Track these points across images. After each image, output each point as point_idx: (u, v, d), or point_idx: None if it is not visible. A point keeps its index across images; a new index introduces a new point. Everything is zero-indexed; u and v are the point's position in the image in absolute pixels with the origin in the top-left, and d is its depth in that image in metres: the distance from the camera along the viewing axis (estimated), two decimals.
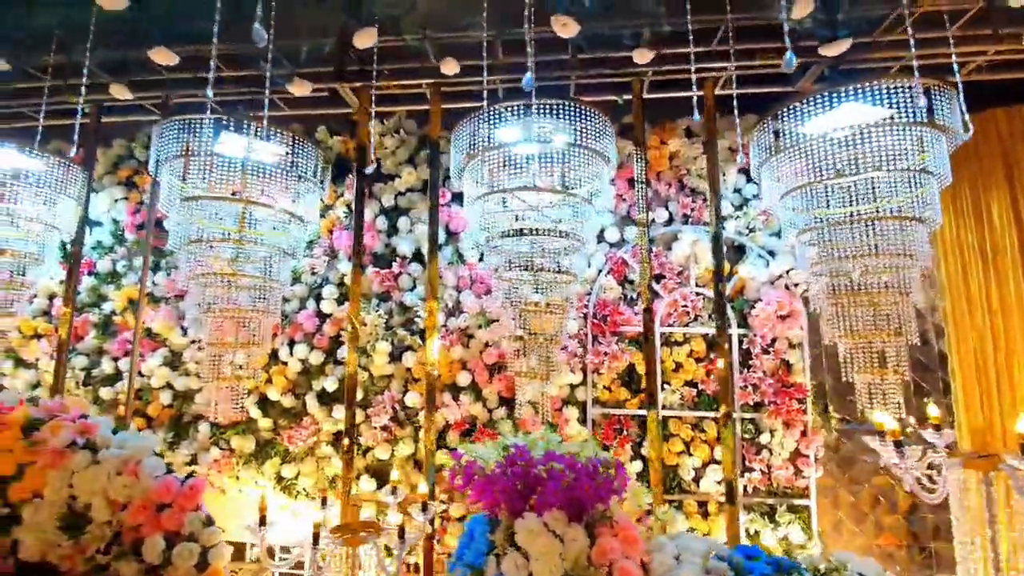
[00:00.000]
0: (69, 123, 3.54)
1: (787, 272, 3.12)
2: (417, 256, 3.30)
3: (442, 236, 3.31)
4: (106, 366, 3.44)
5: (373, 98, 3.08)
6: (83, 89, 2.84)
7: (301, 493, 3.17)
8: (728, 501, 2.67)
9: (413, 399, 3.10)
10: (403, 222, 3.31)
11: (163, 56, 2.70)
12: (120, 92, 3.00)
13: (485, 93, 2.93)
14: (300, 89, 3.00)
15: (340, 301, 3.27)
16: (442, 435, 3.12)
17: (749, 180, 3.21)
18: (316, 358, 3.22)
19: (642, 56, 2.69)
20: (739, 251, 3.21)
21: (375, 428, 3.09)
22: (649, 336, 2.78)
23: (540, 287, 2.67)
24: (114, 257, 3.57)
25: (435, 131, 3.01)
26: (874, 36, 2.74)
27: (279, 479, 3.20)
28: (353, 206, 3.23)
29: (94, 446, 2.03)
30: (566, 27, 2.35)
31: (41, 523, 1.96)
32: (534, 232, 2.52)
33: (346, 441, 2.84)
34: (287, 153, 2.72)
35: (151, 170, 2.76)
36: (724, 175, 3.22)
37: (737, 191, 3.25)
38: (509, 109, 2.46)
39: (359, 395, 3.15)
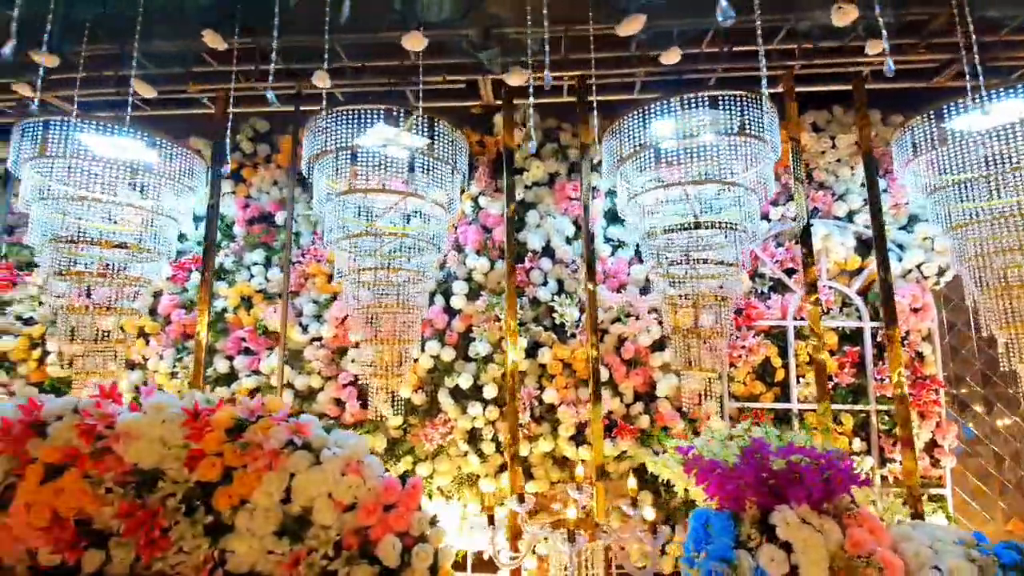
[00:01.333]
0: (192, 112, 3.45)
1: (918, 266, 3.16)
2: (547, 250, 3.26)
3: (572, 230, 3.28)
4: (220, 365, 3.32)
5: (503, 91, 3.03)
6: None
7: (436, 492, 3.11)
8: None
9: (551, 395, 3.07)
10: (532, 216, 3.26)
11: (214, 40, 2.56)
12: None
13: (638, 85, 2.92)
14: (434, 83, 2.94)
15: (470, 296, 3.21)
16: (579, 432, 3.09)
17: (882, 175, 3.25)
18: (447, 354, 3.16)
19: (788, 50, 2.71)
20: (867, 245, 3.25)
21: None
22: (816, 330, 2.79)
23: (695, 281, 2.67)
24: (226, 252, 3.45)
25: (588, 135, 2.96)
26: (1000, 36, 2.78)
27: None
28: (478, 200, 3.19)
29: (310, 446, 1.95)
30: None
31: (256, 530, 1.88)
32: (698, 226, 2.51)
33: (507, 438, 2.79)
34: (431, 144, 2.67)
35: (304, 168, 2.69)
36: (852, 169, 3.25)
37: (863, 185, 3.28)
38: (678, 102, 2.44)
39: (493, 392, 3.11)
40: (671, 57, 2.59)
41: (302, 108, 3.17)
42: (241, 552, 1.87)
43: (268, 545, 1.87)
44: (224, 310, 3.40)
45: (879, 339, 3.14)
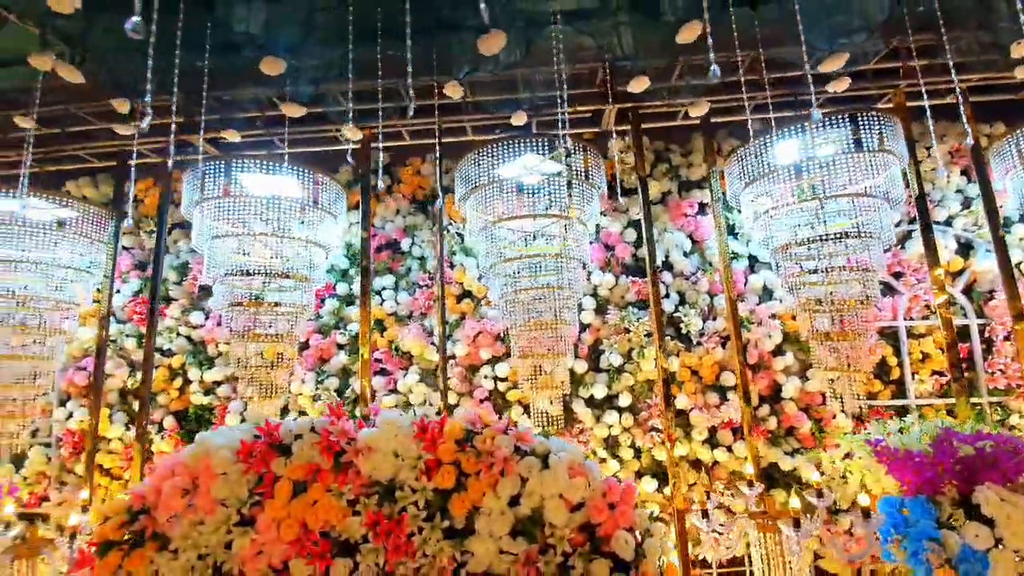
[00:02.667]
0: (334, 149, 3.66)
1: (1018, 265, 3.37)
2: (665, 264, 3.45)
3: (688, 244, 3.48)
4: (357, 386, 3.48)
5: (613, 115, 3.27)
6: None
7: None
8: None
9: (682, 401, 3.24)
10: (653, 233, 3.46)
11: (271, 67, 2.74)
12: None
13: (747, 106, 3.14)
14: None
15: (597, 311, 3.40)
16: (711, 434, 3.25)
17: (970, 181, 3.47)
18: (580, 366, 3.34)
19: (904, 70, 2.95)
20: (966, 247, 3.45)
21: (653, 430, 3.22)
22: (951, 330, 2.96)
23: (833, 286, 2.86)
24: (352, 280, 3.64)
25: (712, 158, 3.19)
26: None
27: None
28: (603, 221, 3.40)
29: (536, 452, 2.12)
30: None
31: (494, 532, 2.04)
32: (844, 235, 2.72)
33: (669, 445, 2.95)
34: (570, 166, 2.88)
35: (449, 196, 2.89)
36: (948, 177, 3.47)
37: (959, 191, 3.50)
38: (806, 126, 2.67)
39: (627, 401, 3.28)
40: (840, 85, 2.79)
41: (443, 140, 3.38)
42: (480, 553, 2.02)
43: (504, 546, 2.03)
44: (357, 335, 3.58)
45: (986, 334, 3.34)
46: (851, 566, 2.05)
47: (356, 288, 3.66)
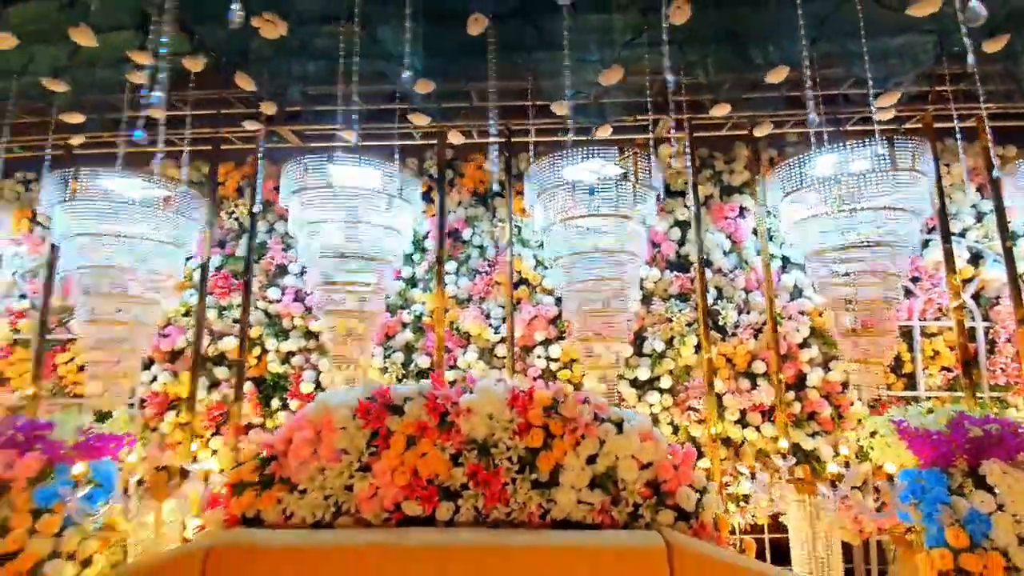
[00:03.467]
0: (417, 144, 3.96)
1: (1022, 275, 3.74)
2: (705, 262, 3.80)
3: (727, 244, 3.83)
4: (421, 361, 3.84)
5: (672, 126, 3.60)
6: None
7: None
8: None
9: (718, 386, 3.61)
10: (692, 233, 3.81)
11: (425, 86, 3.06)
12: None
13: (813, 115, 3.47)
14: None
15: (643, 301, 3.75)
16: (742, 416, 3.63)
17: (983, 197, 3.82)
18: (625, 351, 3.69)
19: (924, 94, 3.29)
20: (976, 257, 3.82)
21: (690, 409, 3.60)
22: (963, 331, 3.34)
23: (861, 288, 3.22)
24: (416, 264, 3.97)
25: (755, 167, 3.53)
26: None
27: None
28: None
29: (611, 419, 2.48)
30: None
31: (576, 484, 2.40)
32: (877, 244, 3.07)
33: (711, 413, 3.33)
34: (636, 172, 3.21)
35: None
36: (964, 192, 3.83)
37: (973, 206, 3.86)
38: (855, 143, 3.01)
39: (668, 383, 3.65)
40: (886, 102, 3.10)
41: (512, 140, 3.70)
42: (562, 502, 2.38)
43: (582, 497, 2.40)
44: (421, 315, 3.92)
45: (990, 337, 3.72)
46: (875, 524, 2.43)
47: (419, 271, 4.00)
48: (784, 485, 2.73)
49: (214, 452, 3.68)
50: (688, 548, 2.04)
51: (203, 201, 3.68)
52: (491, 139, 3.74)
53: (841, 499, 2.52)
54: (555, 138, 3.80)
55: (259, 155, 3.58)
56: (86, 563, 2.55)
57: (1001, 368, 3.67)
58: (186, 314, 4.00)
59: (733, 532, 3.44)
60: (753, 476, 2.57)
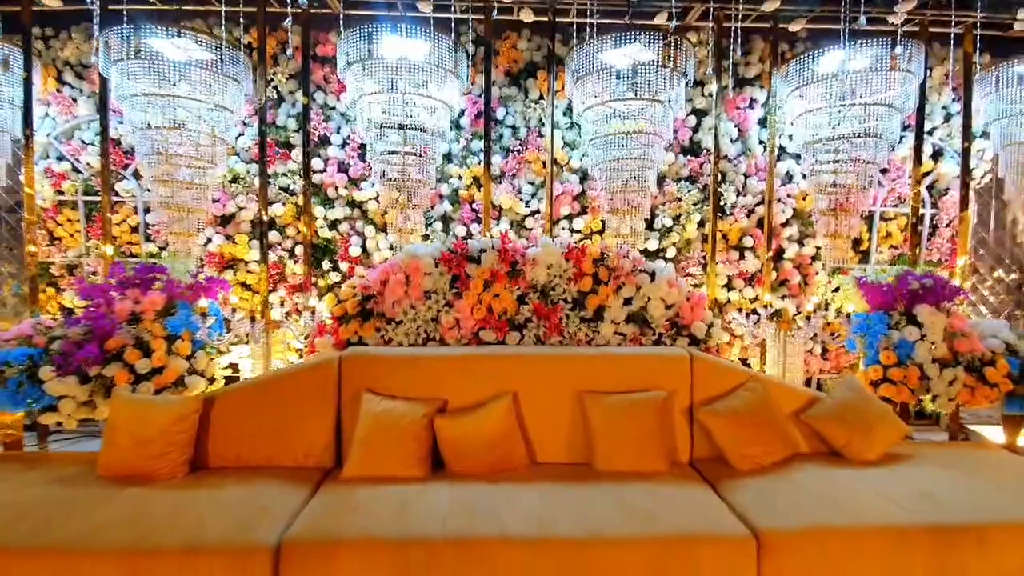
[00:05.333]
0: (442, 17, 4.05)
1: (972, 170, 4.43)
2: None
3: (735, 133, 4.30)
4: (458, 230, 4.30)
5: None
6: None
7: None
8: None
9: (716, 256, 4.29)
10: (706, 121, 4.24)
11: None
12: None
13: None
14: None
15: (656, 183, 4.26)
16: (729, 281, 4.37)
17: (955, 99, 4.37)
18: (639, 225, 4.27)
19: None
20: (938, 153, 4.46)
21: (688, 274, 4.30)
22: (917, 209, 4.04)
23: (844, 175, 3.82)
24: (454, 140, 4.27)
25: (770, 60, 3.88)
26: None
27: None
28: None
29: (645, 270, 3.10)
30: None
31: (616, 319, 3.07)
32: (864, 134, 3.62)
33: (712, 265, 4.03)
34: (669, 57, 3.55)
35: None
36: (940, 95, 4.36)
37: (944, 108, 4.41)
38: (847, 43, 3.42)
39: (672, 253, 4.30)
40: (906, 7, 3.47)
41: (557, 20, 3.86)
42: (604, 332, 3.06)
43: (620, 329, 3.08)
44: (457, 189, 4.31)
45: (934, 222, 4.49)
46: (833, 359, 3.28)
47: (455, 148, 4.31)
48: (765, 323, 3.53)
49: (281, 302, 4.17)
50: (702, 357, 2.77)
51: (250, 66, 3.77)
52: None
53: (811, 337, 3.35)
54: (594, 20, 3.99)
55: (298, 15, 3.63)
56: (212, 380, 3.11)
57: (937, 248, 4.49)
58: (233, 180, 4.23)
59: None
60: (746, 315, 3.33)
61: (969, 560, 2.02)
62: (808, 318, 3.30)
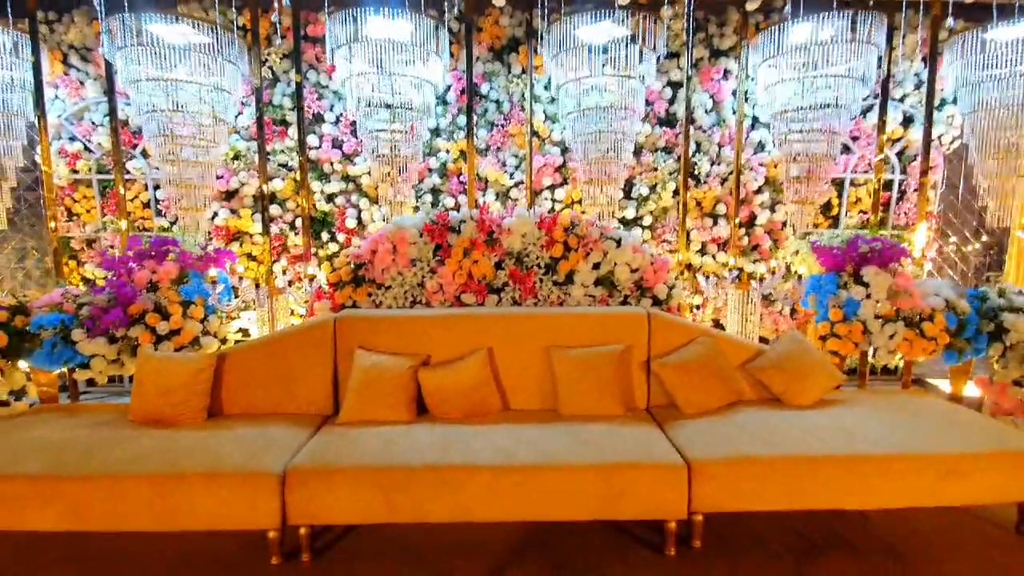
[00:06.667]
0: None
1: (939, 137, 4.59)
2: (689, 119, 4.47)
3: (710, 104, 4.48)
4: (447, 202, 4.57)
5: None
6: None
7: None
8: None
9: (688, 223, 4.54)
10: (681, 92, 4.41)
11: None
12: None
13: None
14: None
15: (635, 153, 4.47)
16: (703, 247, 4.62)
17: (925, 66, 4.49)
18: (617, 194, 4.51)
19: None
20: (908, 120, 4.61)
21: (663, 241, 4.56)
22: (879, 176, 4.25)
23: (808, 144, 4.02)
24: (441, 115, 4.49)
25: (743, 31, 4.03)
26: None
27: None
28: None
29: (611, 237, 3.38)
30: None
31: (585, 282, 3.37)
32: (824, 106, 3.80)
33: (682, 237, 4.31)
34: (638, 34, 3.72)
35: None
36: (912, 63, 4.48)
37: (916, 75, 4.54)
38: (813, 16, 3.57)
39: (649, 220, 4.55)
40: None
41: None
42: (575, 294, 3.37)
43: (589, 291, 3.38)
44: (445, 162, 4.56)
45: (902, 188, 4.68)
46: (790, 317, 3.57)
47: (442, 123, 4.53)
48: (727, 286, 3.80)
49: (284, 271, 4.51)
50: (659, 315, 3.07)
51: (245, 47, 3.99)
52: None
53: (764, 296, 3.63)
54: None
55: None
56: (223, 341, 3.47)
57: (905, 213, 4.70)
58: (235, 157, 4.50)
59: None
60: (707, 278, 3.61)
61: (874, 484, 2.36)
62: (761, 279, 3.58)
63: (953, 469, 2.38)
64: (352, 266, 3.32)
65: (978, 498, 2.43)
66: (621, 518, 2.35)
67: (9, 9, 4.14)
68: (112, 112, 4.11)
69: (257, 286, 3.84)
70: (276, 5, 4.20)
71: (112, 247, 4.54)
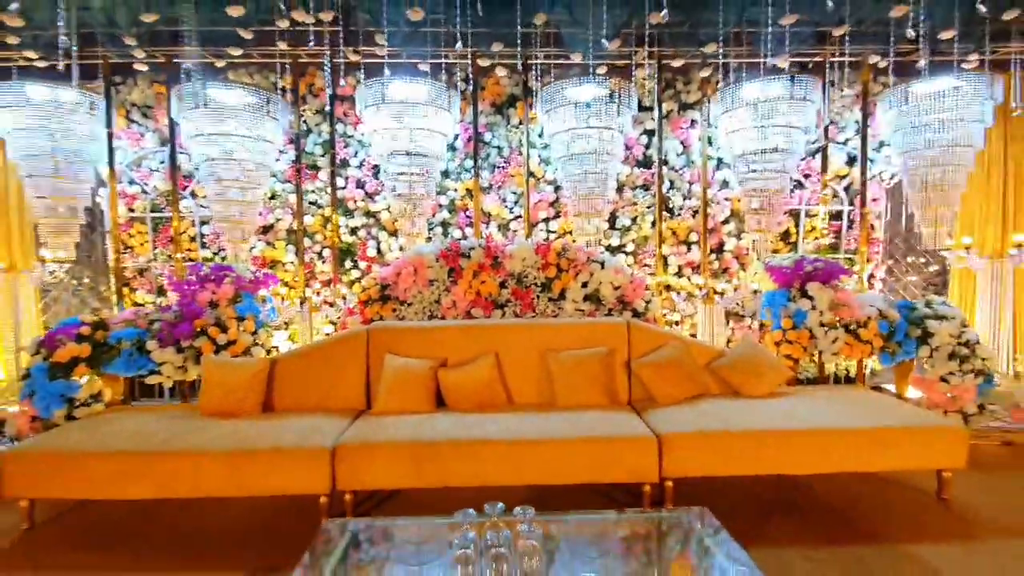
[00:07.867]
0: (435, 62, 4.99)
1: (879, 173, 5.33)
2: (663, 161, 5.21)
3: (680, 148, 5.23)
4: (455, 233, 5.25)
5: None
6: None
7: None
8: None
9: (666, 249, 5.21)
10: (655, 139, 5.17)
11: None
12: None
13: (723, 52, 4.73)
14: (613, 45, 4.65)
15: (617, 190, 5.19)
16: (679, 270, 5.29)
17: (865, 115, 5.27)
18: (603, 225, 5.20)
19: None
20: (852, 159, 5.36)
21: (644, 265, 5.23)
22: (826, 209, 4.97)
23: (764, 181, 4.74)
24: (451, 160, 5.22)
25: (705, 89, 4.81)
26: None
27: None
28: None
29: (596, 260, 4.03)
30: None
31: (575, 298, 4.00)
32: (774, 150, 4.54)
33: (659, 257, 4.97)
34: (614, 93, 4.49)
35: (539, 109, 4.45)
36: (852, 111, 5.27)
37: (856, 121, 5.32)
38: (769, 74, 4.34)
39: (632, 247, 5.23)
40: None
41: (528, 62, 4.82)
42: (566, 308, 4.00)
43: (579, 306, 4.01)
44: (454, 199, 5.26)
45: (851, 217, 5.40)
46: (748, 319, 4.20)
47: (451, 166, 5.26)
48: (696, 301, 4.45)
49: (317, 293, 5.13)
50: (636, 323, 3.70)
51: (287, 106, 4.74)
52: (510, 60, 4.85)
53: (727, 311, 4.27)
54: (560, 61, 4.93)
55: (324, 68, 4.58)
56: (269, 351, 4.06)
57: (854, 239, 5.39)
58: (272, 197, 5.19)
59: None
60: (683, 297, 4.25)
61: (811, 453, 2.93)
62: (722, 295, 4.23)
63: (878, 440, 2.95)
64: (379, 287, 3.95)
65: (901, 464, 2.99)
66: (605, 481, 2.91)
67: (78, 72, 4.90)
68: (173, 161, 4.81)
69: (302, 303, 4.44)
70: (318, 71, 4.97)
71: (160, 275, 5.17)
